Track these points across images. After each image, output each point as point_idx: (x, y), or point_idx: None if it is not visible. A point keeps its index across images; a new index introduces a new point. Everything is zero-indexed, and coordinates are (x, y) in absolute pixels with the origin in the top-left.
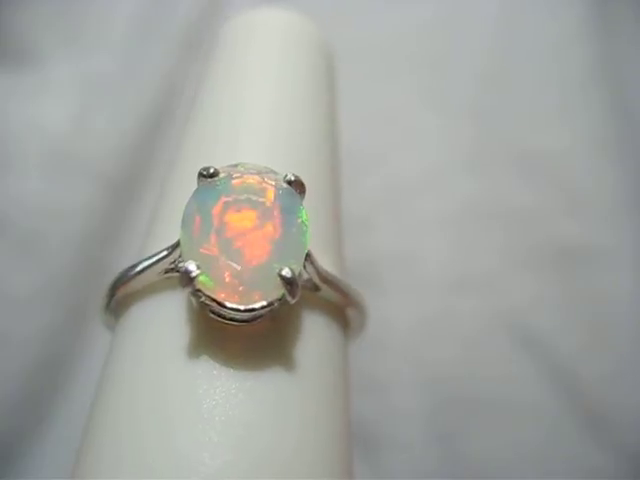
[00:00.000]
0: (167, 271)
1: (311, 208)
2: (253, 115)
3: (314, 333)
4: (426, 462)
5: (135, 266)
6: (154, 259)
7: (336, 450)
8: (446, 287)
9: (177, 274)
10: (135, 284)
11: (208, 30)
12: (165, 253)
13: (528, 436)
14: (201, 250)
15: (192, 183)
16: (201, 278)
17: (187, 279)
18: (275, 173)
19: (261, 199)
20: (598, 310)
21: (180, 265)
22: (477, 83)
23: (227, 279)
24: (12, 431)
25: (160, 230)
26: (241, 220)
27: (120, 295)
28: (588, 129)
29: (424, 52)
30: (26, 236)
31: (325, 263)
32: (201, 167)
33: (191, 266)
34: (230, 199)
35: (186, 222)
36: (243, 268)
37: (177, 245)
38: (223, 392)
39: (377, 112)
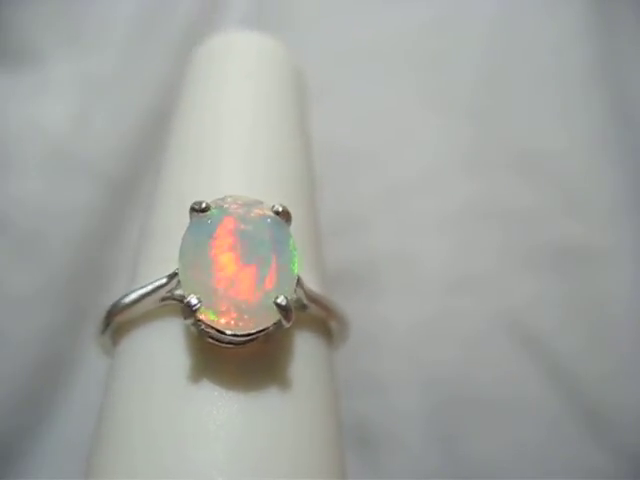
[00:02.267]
0: (164, 299)
1: (293, 229)
2: (230, 142)
3: (304, 349)
4: (426, 462)
5: (131, 294)
6: (151, 287)
7: (331, 459)
8: (446, 287)
9: (174, 302)
10: (132, 312)
11: (208, 30)
12: (164, 281)
13: (528, 436)
14: (199, 282)
15: (175, 214)
16: (202, 310)
17: (189, 312)
18: (262, 204)
19: (252, 230)
20: (598, 310)
21: (177, 294)
22: (476, 83)
23: (225, 309)
24: (12, 431)
25: (151, 257)
26: (236, 253)
27: (117, 322)
28: (587, 129)
29: (424, 52)
30: (26, 236)
31: (310, 282)
32: (193, 202)
33: (193, 300)
34: (224, 232)
35: (184, 256)
36: (241, 299)
37: (174, 275)
38: (225, 414)
39: (377, 112)
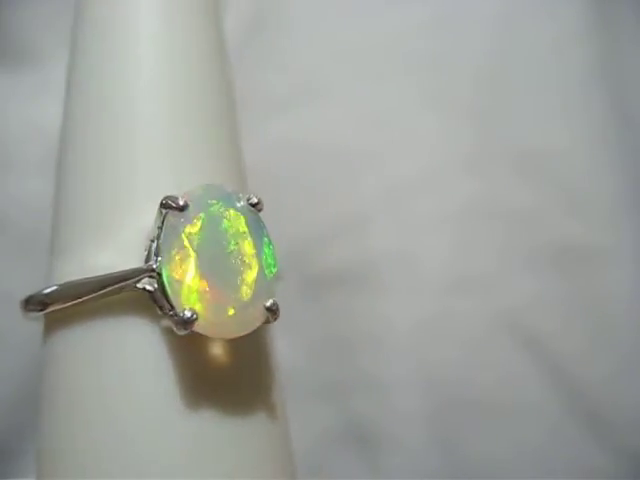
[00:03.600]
0: (123, 288)
1: None
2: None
3: (263, 346)
4: (426, 462)
5: (103, 279)
6: (124, 275)
7: (290, 452)
8: (447, 287)
9: (139, 293)
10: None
11: None
12: (144, 268)
13: (528, 437)
14: (186, 286)
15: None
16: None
17: (184, 324)
18: (238, 197)
19: (232, 231)
20: (599, 310)
21: (145, 287)
22: (477, 83)
23: (213, 317)
24: (12, 430)
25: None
26: (219, 257)
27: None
28: (588, 129)
29: (424, 52)
30: (26, 236)
31: None
32: (167, 197)
33: (187, 313)
34: (207, 236)
35: (167, 259)
36: (227, 305)
37: (149, 270)
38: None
39: (377, 111)
